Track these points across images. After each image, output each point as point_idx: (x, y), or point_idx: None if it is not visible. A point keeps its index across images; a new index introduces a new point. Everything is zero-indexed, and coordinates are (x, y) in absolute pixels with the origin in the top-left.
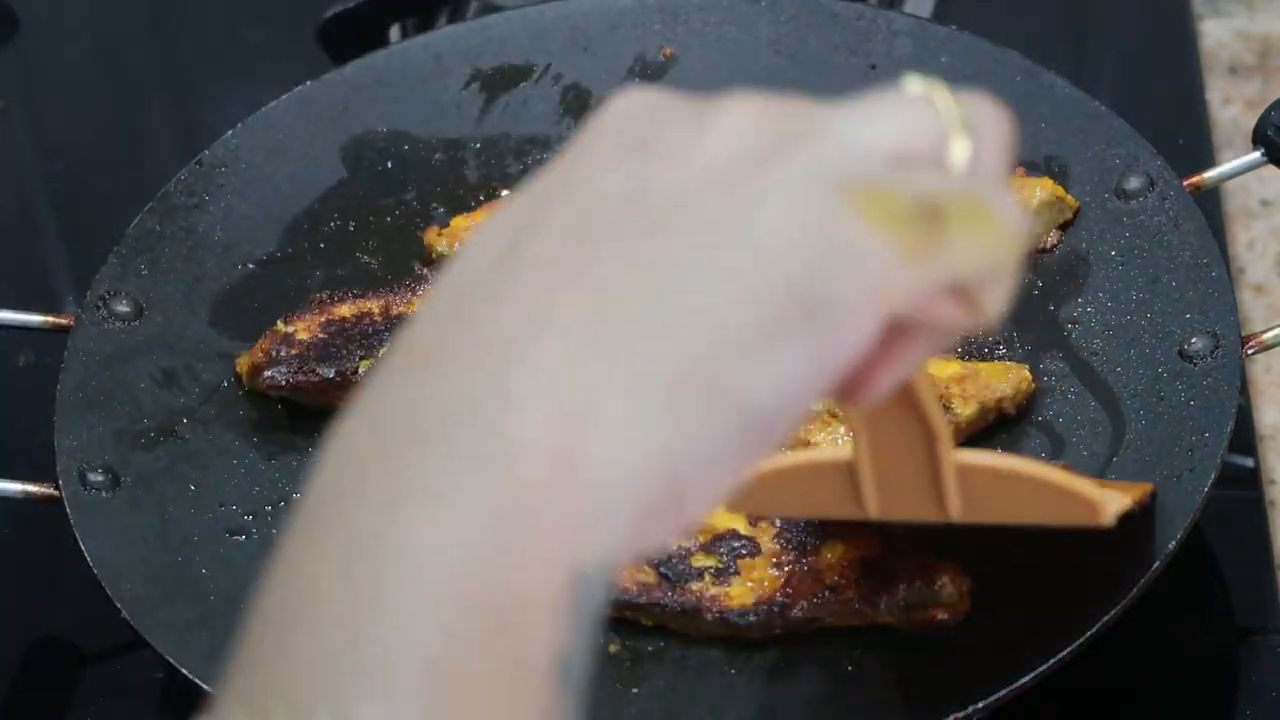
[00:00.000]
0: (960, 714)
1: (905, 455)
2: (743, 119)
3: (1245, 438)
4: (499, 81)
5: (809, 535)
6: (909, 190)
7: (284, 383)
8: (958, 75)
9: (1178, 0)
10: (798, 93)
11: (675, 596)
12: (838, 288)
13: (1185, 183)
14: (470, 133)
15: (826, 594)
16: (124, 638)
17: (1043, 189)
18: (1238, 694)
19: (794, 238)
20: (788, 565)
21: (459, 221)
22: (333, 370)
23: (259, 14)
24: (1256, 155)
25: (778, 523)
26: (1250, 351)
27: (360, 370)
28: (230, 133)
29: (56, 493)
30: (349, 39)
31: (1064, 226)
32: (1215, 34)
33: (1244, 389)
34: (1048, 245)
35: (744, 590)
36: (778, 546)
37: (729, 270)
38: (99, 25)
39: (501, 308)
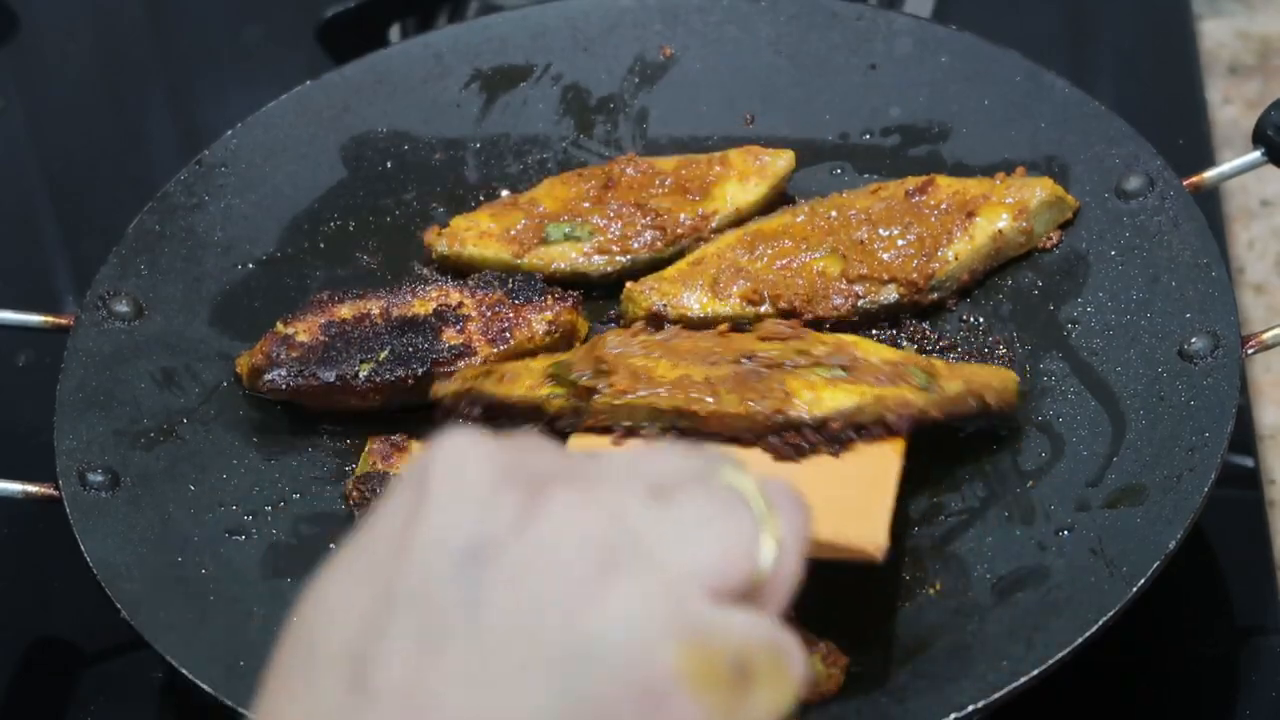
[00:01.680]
0: (960, 714)
1: None
2: (574, 518)
3: (1245, 438)
4: (499, 81)
5: None
6: (729, 647)
7: (284, 387)
8: (958, 75)
9: (1177, 0)
10: (797, 92)
11: None
12: None
13: (1185, 182)
14: (470, 132)
15: None
16: (123, 637)
17: (1043, 189)
18: (1238, 693)
19: (625, 694)
20: None
21: (459, 222)
22: (333, 374)
23: (259, 14)
24: (1256, 155)
25: None
26: (1250, 351)
27: (361, 375)
28: (230, 133)
29: (56, 493)
30: (349, 39)
31: (1064, 226)
32: (1215, 34)
33: (1244, 389)
34: (1047, 245)
35: None
36: None
37: (562, 714)
38: (99, 26)
39: None
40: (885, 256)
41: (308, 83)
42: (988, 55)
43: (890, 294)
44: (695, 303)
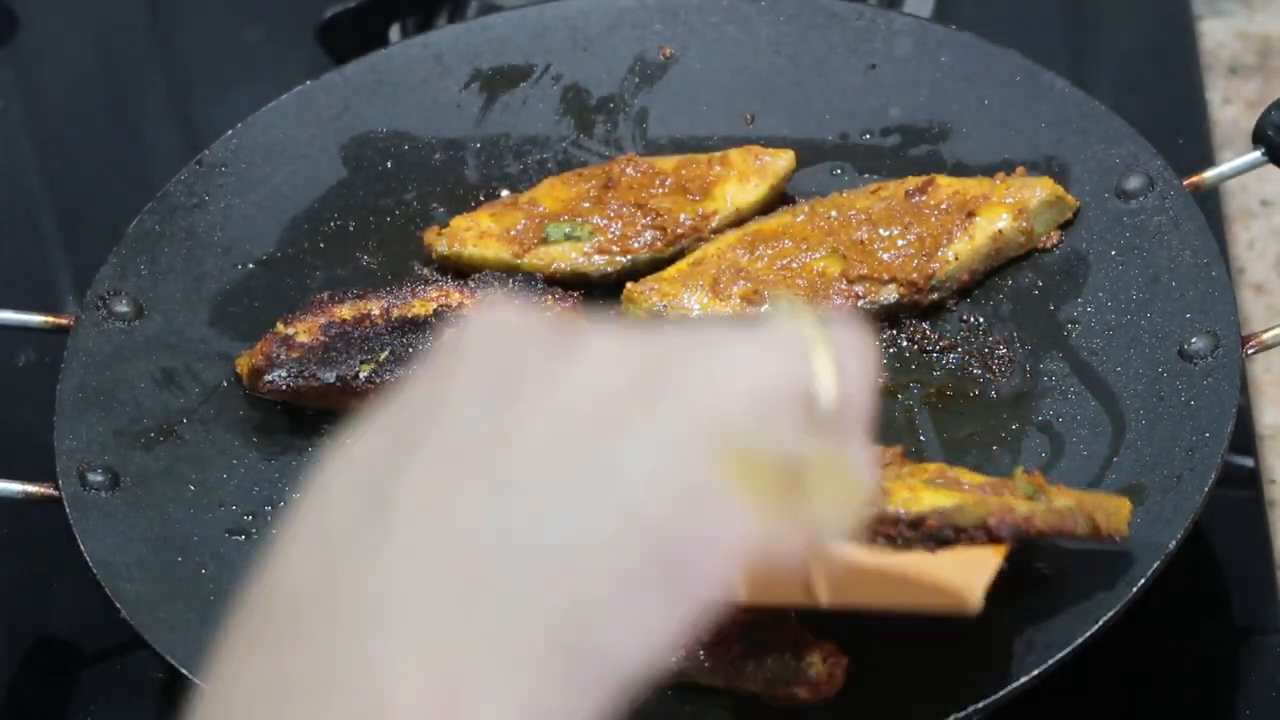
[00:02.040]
0: (960, 714)
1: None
2: (609, 355)
3: (1245, 438)
4: (499, 81)
5: None
6: (774, 453)
7: (284, 388)
8: (958, 75)
9: (1177, 0)
10: (797, 92)
11: None
12: (698, 550)
13: (1185, 182)
14: (470, 133)
15: (699, 651)
16: (124, 637)
17: (1043, 189)
18: (1238, 693)
19: (661, 499)
20: None
21: (459, 222)
22: (333, 375)
23: (259, 14)
24: (1256, 155)
25: None
26: (1250, 351)
27: (361, 376)
28: (230, 133)
29: (56, 493)
30: (349, 39)
31: (1064, 226)
32: (1215, 34)
33: (1244, 389)
34: (1047, 245)
35: None
36: None
37: (592, 527)
38: (99, 26)
39: (370, 567)
40: (885, 256)
41: (308, 83)
42: (988, 55)
43: (890, 294)
44: (695, 303)
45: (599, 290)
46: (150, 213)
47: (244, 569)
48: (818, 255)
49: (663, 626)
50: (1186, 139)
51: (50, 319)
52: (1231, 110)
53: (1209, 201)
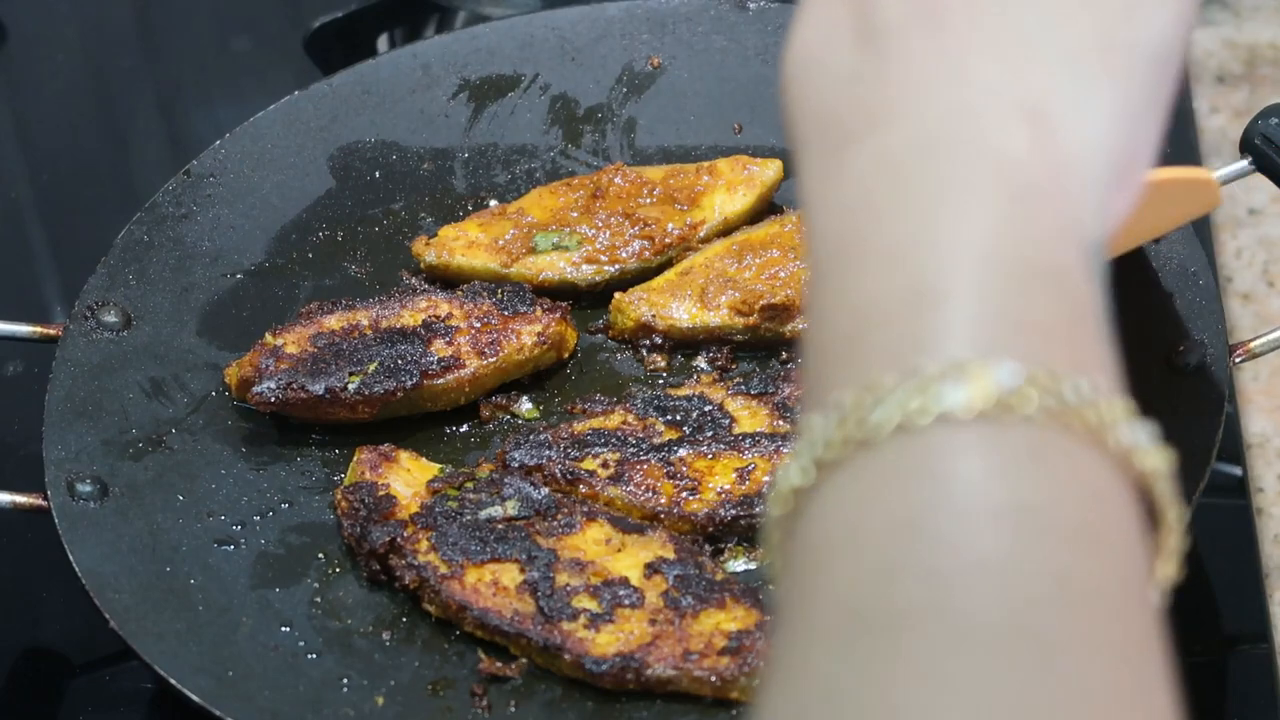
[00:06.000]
0: None
1: None
2: None
3: (1233, 446)
4: (487, 91)
5: (694, 598)
6: None
7: (273, 399)
8: None
9: None
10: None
11: (541, 632)
12: None
13: None
14: (458, 142)
15: (688, 659)
16: (112, 647)
17: None
18: (1226, 701)
19: None
20: (662, 623)
21: (447, 231)
22: (322, 387)
23: (247, 25)
24: (1244, 164)
25: (670, 579)
26: (1238, 360)
27: (349, 387)
28: (218, 143)
29: (45, 503)
30: (337, 49)
31: None
32: (1203, 43)
33: (1232, 397)
34: None
35: (610, 639)
36: (661, 603)
37: None
38: (87, 36)
39: (917, 52)
40: None
41: (296, 93)
42: None
43: None
44: (684, 313)
45: (586, 300)
46: (138, 223)
47: (232, 578)
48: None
49: (1178, 10)
50: (1174, 147)
51: (39, 329)
52: (1219, 119)
53: None
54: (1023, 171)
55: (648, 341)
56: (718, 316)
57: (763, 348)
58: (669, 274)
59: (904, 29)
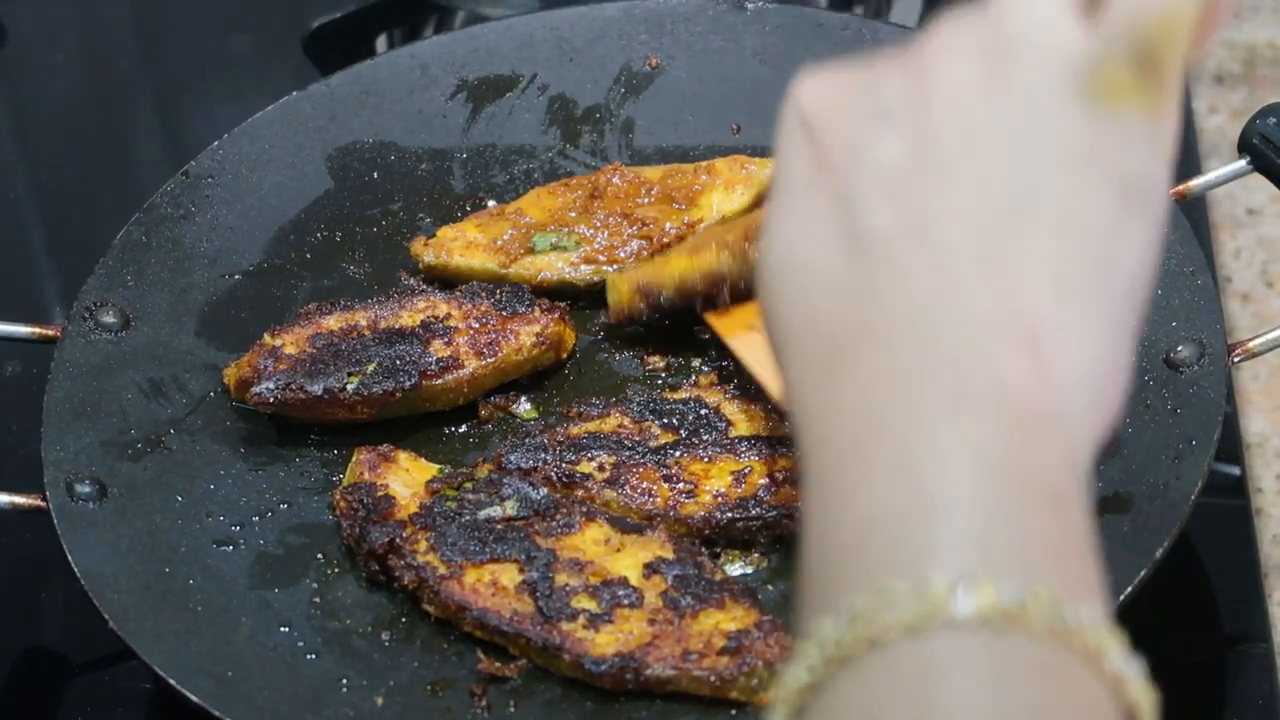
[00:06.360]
0: None
1: None
2: (949, 54)
3: (1232, 446)
4: (485, 92)
5: (693, 598)
6: (1121, 58)
7: (272, 400)
8: None
9: None
10: (782, 102)
11: (540, 632)
12: (1137, 167)
13: (1171, 191)
14: (456, 143)
15: (687, 659)
16: (111, 648)
17: None
18: (1224, 701)
19: (1082, 146)
20: (661, 624)
21: (445, 232)
22: (320, 388)
23: (245, 25)
24: (1242, 164)
25: (670, 579)
26: (1237, 359)
27: (348, 388)
28: (216, 144)
29: (43, 504)
30: (335, 50)
31: None
32: None
33: (1230, 397)
34: None
35: (609, 639)
36: (660, 603)
37: (1062, 188)
38: (86, 37)
39: (908, 263)
40: None
41: (294, 93)
42: None
43: None
44: (675, 263)
45: (585, 300)
46: (137, 224)
47: (231, 579)
48: None
49: (1149, 235)
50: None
51: (37, 330)
52: (1217, 119)
53: (1195, 210)
54: (1023, 396)
55: (647, 307)
56: (706, 257)
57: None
58: (657, 257)
59: (892, 238)
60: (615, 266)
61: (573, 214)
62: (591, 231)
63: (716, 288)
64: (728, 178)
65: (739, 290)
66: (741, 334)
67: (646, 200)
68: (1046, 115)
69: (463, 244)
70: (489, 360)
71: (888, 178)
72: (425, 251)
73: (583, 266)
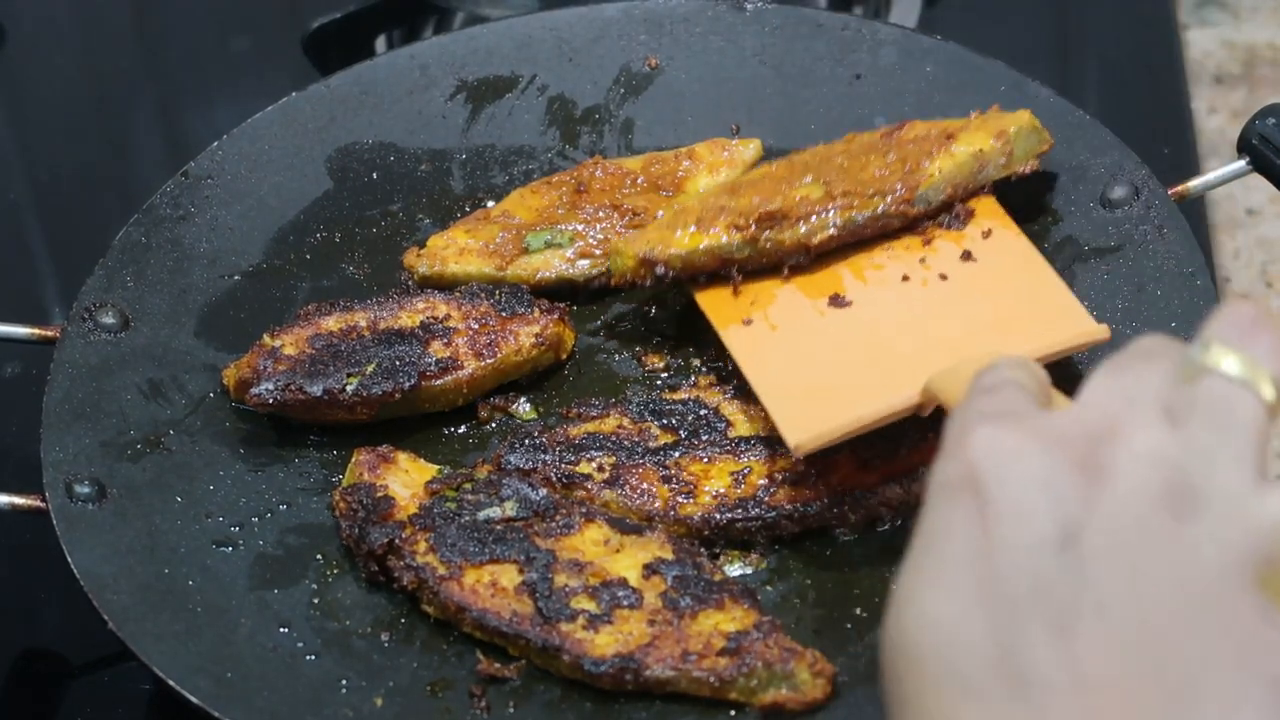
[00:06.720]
0: None
1: None
2: (1129, 480)
3: None
4: (484, 92)
5: (693, 599)
6: None
7: (271, 401)
8: (943, 85)
9: (1163, 9)
10: (782, 102)
11: (540, 633)
12: None
13: (1170, 191)
14: (456, 143)
15: (686, 660)
16: (111, 649)
17: (1020, 119)
18: None
19: (1245, 639)
20: (660, 624)
21: (435, 241)
22: (320, 388)
23: (245, 26)
24: (1241, 164)
25: (669, 580)
26: None
27: (347, 389)
28: (216, 144)
29: (43, 504)
30: (335, 51)
31: (1049, 233)
32: (1200, 43)
33: None
34: (1025, 172)
35: (609, 640)
36: (659, 603)
37: (1220, 686)
38: (85, 37)
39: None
40: (869, 176)
41: (293, 94)
42: (973, 65)
43: (879, 204)
44: (683, 238)
45: (584, 298)
46: (136, 224)
47: (230, 580)
48: (801, 184)
49: None
50: (1172, 148)
51: (37, 331)
52: (1217, 119)
53: (1194, 210)
54: None
55: (650, 279)
56: (715, 237)
57: (766, 264)
58: (665, 215)
59: (1051, 685)
60: None
61: (560, 211)
62: (583, 226)
63: (724, 267)
64: (710, 161)
65: (746, 269)
66: (735, 327)
67: (632, 190)
68: (1220, 600)
69: (455, 251)
70: (488, 361)
71: (1051, 598)
72: (419, 262)
73: (580, 262)
